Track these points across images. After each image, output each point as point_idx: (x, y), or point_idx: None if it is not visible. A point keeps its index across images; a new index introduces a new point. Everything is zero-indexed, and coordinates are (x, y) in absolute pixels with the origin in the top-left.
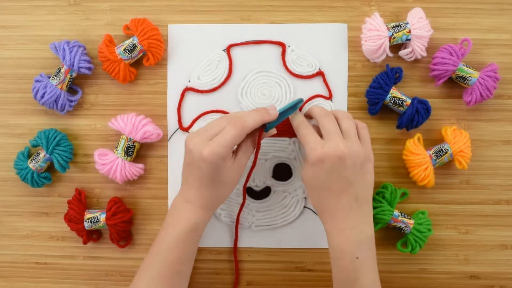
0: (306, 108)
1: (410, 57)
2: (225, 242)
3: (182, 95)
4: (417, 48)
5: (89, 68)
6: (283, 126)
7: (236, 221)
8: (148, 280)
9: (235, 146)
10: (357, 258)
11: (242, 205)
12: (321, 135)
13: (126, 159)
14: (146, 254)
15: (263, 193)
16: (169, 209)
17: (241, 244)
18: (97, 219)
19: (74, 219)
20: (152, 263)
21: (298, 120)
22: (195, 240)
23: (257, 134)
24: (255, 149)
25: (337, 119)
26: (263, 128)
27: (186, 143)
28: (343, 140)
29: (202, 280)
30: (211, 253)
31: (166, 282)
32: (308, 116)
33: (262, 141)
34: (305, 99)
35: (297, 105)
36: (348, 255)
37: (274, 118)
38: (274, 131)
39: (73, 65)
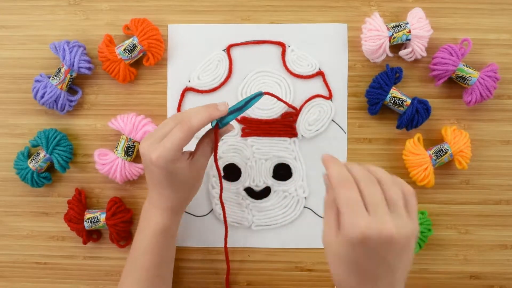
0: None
1: (410, 57)
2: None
3: (182, 95)
4: (417, 48)
5: (89, 68)
6: (283, 126)
7: (221, 204)
8: (128, 286)
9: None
10: None
11: (221, 190)
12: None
13: (126, 159)
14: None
15: (263, 193)
16: (141, 213)
17: (241, 244)
18: (97, 219)
19: (74, 219)
20: (130, 271)
21: (337, 174)
22: (168, 242)
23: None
24: (213, 148)
25: (380, 183)
26: (217, 125)
27: (139, 148)
28: (390, 217)
29: (202, 280)
30: (211, 253)
31: (148, 287)
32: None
33: (261, 141)
34: (305, 99)
35: (255, 99)
36: None
37: (224, 113)
38: (231, 127)
39: (73, 65)
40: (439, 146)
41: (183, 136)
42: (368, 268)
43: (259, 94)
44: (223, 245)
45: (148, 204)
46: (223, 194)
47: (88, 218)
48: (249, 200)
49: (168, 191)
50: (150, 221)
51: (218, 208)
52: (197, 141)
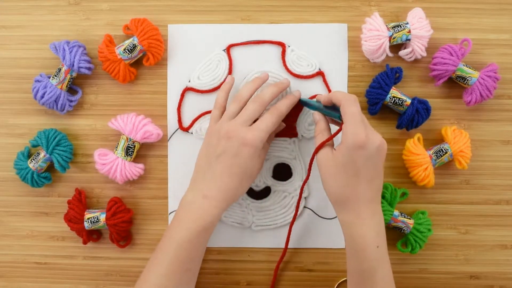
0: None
1: (410, 57)
2: (225, 242)
3: (182, 95)
4: (417, 48)
5: (89, 68)
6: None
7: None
8: (157, 276)
9: None
10: (377, 247)
11: None
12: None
13: (126, 159)
14: (151, 252)
15: (263, 193)
16: (180, 206)
17: (241, 244)
18: (97, 219)
19: (74, 219)
20: (161, 260)
21: (344, 95)
22: (206, 238)
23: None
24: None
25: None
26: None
27: (219, 131)
28: (374, 130)
29: (203, 280)
30: (211, 253)
31: (175, 279)
32: (327, 103)
33: None
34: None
35: (311, 107)
36: (370, 245)
37: (297, 99)
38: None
39: (73, 65)
40: (439, 146)
41: (276, 120)
42: (363, 172)
43: (319, 109)
44: (223, 245)
45: (197, 195)
46: None
47: (88, 218)
48: (249, 200)
49: (237, 179)
50: (196, 215)
51: None
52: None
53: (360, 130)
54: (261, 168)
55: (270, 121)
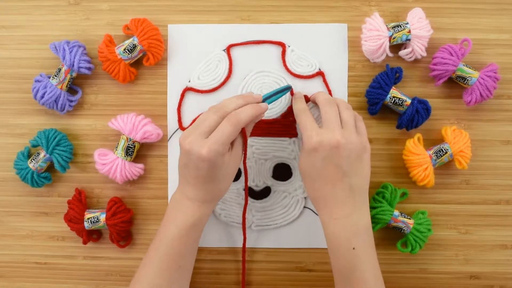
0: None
1: (410, 57)
2: (225, 242)
3: (182, 95)
4: (417, 48)
5: (89, 68)
6: (283, 126)
7: (243, 223)
8: (149, 275)
9: None
10: (353, 248)
11: (245, 206)
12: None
13: (126, 159)
14: (146, 251)
15: (263, 193)
16: (169, 204)
17: (241, 244)
18: (97, 219)
19: (74, 219)
20: (153, 259)
21: (298, 107)
22: (196, 235)
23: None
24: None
25: (338, 106)
26: (244, 129)
27: (181, 144)
28: (340, 130)
29: (202, 280)
30: (211, 253)
31: (167, 277)
32: (314, 102)
33: (261, 141)
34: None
35: (283, 92)
36: (344, 245)
37: (265, 111)
38: (265, 108)
39: (73, 65)
40: (439, 146)
41: (233, 129)
42: (325, 173)
43: (287, 88)
44: (223, 245)
45: (182, 196)
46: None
47: (88, 218)
48: (249, 200)
49: (211, 185)
50: (182, 213)
51: (218, 209)
52: None
53: (312, 133)
54: (237, 166)
55: (227, 131)
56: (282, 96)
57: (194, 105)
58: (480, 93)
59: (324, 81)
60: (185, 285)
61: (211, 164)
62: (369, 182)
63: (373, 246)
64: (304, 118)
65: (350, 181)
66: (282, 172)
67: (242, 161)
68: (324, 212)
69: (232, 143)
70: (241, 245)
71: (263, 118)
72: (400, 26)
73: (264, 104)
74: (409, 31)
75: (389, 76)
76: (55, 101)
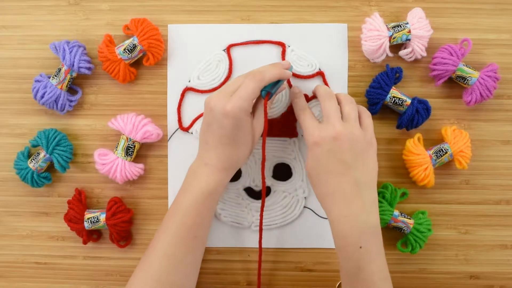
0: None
1: (410, 57)
2: (225, 242)
3: (182, 95)
4: (417, 48)
5: (89, 68)
6: (283, 126)
7: (260, 223)
8: (164, 244)
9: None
10: (360, 247)
11: (262, 204)
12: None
13: (126, 159)
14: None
15: None
16: (187, 174)
17: (241, 244)
18: (97, 219)
19: (74, 219)
20: (169, 228)
21: (298, 106)
22: (212, 204)
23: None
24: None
25: (339, 103)
26: (268, 96)
27: (206, 103)
28: (340, 122)
29: (202, 280)
30: (211, 253)
31: (182, 246)
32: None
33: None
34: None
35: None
36: (351, 244)
37: (289, 77)
38: (283, 87)
39: (73, 65)
40: (439, 146)
41: (256, 85)
42: (329, 167)
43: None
44: (223, 245)
45: (200, 162)
46: (223, 194)
47: (88, 218)
48: (249, 200)
49: (229, 147)
50: (200, 180)
51: (218, 209)
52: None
53: (314, 129)
54: (258, 134)
55: (250, 87)
56: (280, 82)
57: (194, 105)
58: (480, 93)
59: (324, 81)
60: (199, 256)
61: (235, 120)
62: (376, 180)
63: (382, 246)
64: (304, 116)
65: (356, 175)
66: (282, 172)
67: (262, 136)
68: (332, 210)
69: (254, 112)
70: (241, 245)
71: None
72: (400, 26)
73: (289, 72)
74: (409, 31)
75: (389, 76)
76: (55, 101)
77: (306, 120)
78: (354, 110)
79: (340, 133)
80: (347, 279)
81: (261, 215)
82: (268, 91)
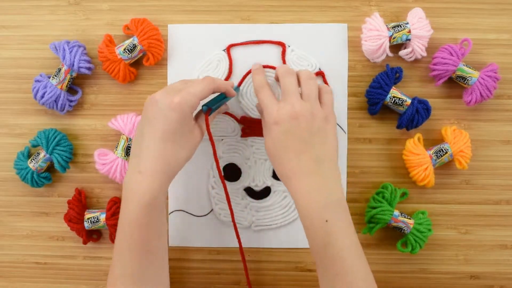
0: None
1: (410, 57)
2: (225, 242)
3: None
4: (417, 48)
5: (89, 68)
6: None
7: (232, 218)
8: (120, 265)
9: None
10: (326, 221)
11: (227, 196)
12: None
13: (126, 159)
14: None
15: (263, 193)
16: (123, 188)
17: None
18: (97, 219)
19: (74, 219)
20: (119, 247)
21: (257, 83)
22: (156, 214)
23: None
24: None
25: (299, 80)
26: (209, 111)
27: (150, 98)
28: (299, 101)
29: (202, 280)
30: (211, 253)
31: (137, 264)
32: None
33: (261, 141)
34: None
35: (223, 99)
36: (316, 218)
37: (233, 96)
38: (226, 107)
39: (73, 65)
40: (439, 146)
41: (206, 87)
42: (289, 146)
43: (225, 97)
44: (223, 245)
45: (133, 172)
46: (223, 194)
47: (88, 218)
48: (249, 200)
49: (171, 146)
50: (135, 191)
51: (218, 208)
52: None
53: (273, 108)
54: (200, 138)
55: (200, 85)
56: (223, 100)
57: None
58: (480, 93)
59: (324, 81)
60: (161, 272)
61: (181, 114)
62: (337, 155)
63: (350, 222)
64: (263, 94)
65: (315, 152)
66: None
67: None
68: (294, 187)
69: (196, 119)
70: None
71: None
72: (400, 26)
73: (234, 92)
74: (409, 31)
75: (389, 76)
76: (55, 101)
77: (265, 98)
78: (313, 86)
79: (298, 112)
80: (317, 257)
81: (231, 211)
82: (209, 106)
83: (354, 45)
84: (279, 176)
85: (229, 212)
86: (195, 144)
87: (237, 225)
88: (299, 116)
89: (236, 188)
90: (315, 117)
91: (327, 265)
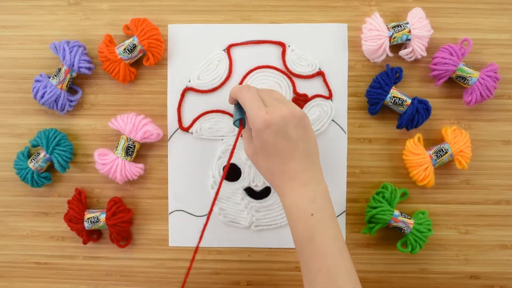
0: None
1: (410, 57)
2: (225, 242)
3: (182, 95)
4: (417, 48)
5: (89, 68)
6: None
7: (208, 216)
8: None
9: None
10: (312, 215)
11: (216, 194)
12: None
13: (126, 159)
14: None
15: (263, 193)
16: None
17: (241, 244)
18: (97, 219)
19: (74, 219)
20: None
21: (238, 86)
22: None
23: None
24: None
25: (261, 96)
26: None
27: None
28: (280, 103)
29: (202, 280)
30: (211, 253)
31: None
32: (233, 101)
33: None
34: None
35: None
36: (302, 213)
37: None
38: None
39: (73, 65)
40: (439, 146)
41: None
42: (280, 147)
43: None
44: (223, 245)
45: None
46: (223, 194)
47: (88, 218)
48: (249, 200)
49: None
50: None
51: (218, 209)
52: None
53: (260, 110)
54: None
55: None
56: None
57: (194, 105)
58: (480, 93)
59: (324, 81)
60: None
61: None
62: (318, 148)
63: (333, 213)
64: (248, 96)
65: (305, 150)
66: None
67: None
68: (282, 185)
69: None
70: (242, 245)
71: None
72: (400, 26)
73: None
74: (409, 31)
75: (389, 76)
76: (55, 101)
77: (251, 100)
78: (276, 92)
79: (286, 113)
80: (301, 251)
81: (211, 209)
82: (241, 117)
83: (354, 45)
84: (264, 176)
85: (229, 212)
86: None
87: (237, 225)
88: (288, 116)
89: (236, 188)
90: (300, 115)
91: (309, 259)
